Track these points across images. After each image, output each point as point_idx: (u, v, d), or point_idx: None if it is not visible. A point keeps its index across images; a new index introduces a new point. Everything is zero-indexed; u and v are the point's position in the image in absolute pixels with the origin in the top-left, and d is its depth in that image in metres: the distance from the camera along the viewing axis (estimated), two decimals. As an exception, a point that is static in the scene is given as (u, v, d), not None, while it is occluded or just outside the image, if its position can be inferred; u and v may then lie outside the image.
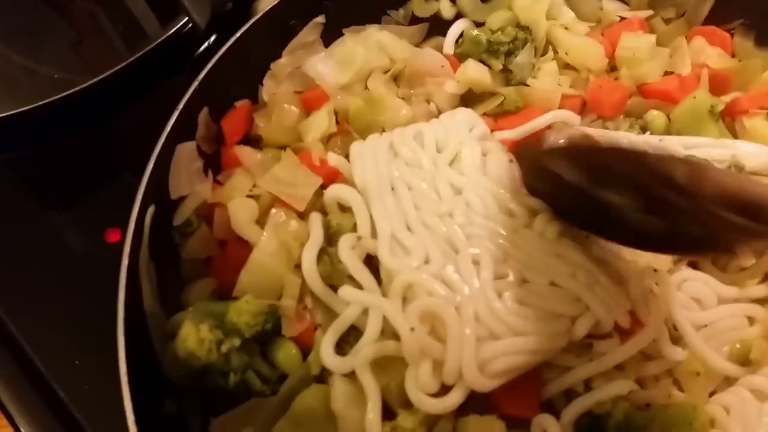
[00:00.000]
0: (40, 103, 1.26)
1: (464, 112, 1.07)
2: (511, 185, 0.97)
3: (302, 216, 0.98)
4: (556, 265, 0.89)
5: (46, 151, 1.31)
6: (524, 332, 0.85)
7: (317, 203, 1.00)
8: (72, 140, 1.31)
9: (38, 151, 1.32)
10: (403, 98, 1.15)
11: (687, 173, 0.72)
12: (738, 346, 0.96)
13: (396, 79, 1.18)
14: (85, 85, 1.27)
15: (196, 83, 1.03)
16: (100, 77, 1.27)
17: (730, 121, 1.15)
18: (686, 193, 0.72)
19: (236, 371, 0.87)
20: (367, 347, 0.85)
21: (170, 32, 1.30)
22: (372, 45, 1.16)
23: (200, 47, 1.15)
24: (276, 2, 1.11)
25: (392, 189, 0.95)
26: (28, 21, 1.42)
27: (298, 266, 0.93)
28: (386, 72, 1.16)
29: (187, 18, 1.22)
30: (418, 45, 1.23)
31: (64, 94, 1.26)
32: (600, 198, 0.80)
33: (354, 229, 0.94)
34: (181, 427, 0.91)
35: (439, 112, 1.15)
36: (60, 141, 1.31)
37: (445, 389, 0.84)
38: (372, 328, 0.85)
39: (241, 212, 0.98)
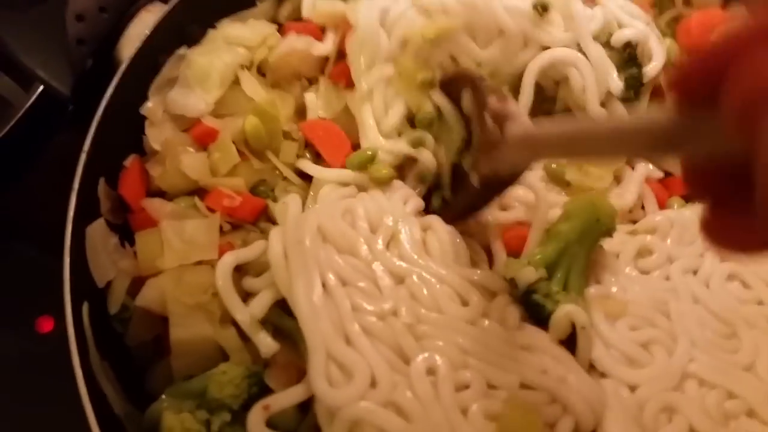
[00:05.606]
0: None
1: (400, 188, 0.92)
2: (458, 265, 0.84)
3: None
4: (524, 360, 0.76)
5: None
6: (501, 456, 0.71)
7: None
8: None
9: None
10: (272, 86, 1.05)
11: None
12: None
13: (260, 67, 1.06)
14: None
15: (83, 155, 0.92)
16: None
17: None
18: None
19: (236, 447, 0.81)
20: None
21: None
22: (219, 47, 1.04)
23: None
24: (138, 45, 1.01)
25: (323, 286, 0.78)
26: None
27: (223, 316, 0.84)
28: (249, 67, 1.04)
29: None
30: (276, 18, 1.14)
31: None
32: None
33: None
34: None
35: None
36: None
37: None
38: None
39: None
